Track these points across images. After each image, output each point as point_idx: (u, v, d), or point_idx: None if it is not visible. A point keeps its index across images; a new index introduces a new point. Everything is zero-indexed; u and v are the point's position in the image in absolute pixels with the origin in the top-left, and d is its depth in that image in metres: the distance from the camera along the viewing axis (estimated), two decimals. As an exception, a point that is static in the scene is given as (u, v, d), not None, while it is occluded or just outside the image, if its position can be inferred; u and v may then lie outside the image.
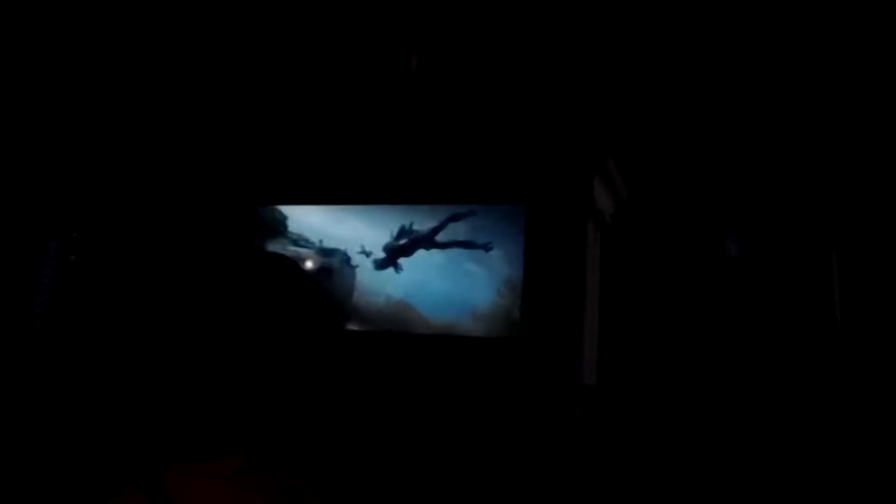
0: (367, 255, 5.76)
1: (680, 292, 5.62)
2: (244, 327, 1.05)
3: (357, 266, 5.79)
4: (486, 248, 5.39)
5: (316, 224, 5.99)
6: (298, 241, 5.98)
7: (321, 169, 5.89)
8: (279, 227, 6.07)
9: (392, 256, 5.70)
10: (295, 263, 1.14)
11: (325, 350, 1.11)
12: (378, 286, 5.71)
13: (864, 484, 4.76)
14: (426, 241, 5.61)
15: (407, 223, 5.68)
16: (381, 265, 5.72)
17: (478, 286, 5.40)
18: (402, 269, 5.65)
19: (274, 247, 5.89)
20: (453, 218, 5.51)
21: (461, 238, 5.51)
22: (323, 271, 5.78)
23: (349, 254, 5.83)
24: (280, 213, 6.08)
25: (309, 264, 5.82)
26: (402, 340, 5.44)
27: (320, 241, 5.95)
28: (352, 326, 5.64)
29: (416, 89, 5.28)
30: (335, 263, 5.84)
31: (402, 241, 5.68)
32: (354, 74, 5.21)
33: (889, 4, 4.28)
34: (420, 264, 5.62)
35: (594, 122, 5.24)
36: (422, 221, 5.64)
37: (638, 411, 5.28)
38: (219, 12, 4.52)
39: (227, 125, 5.85)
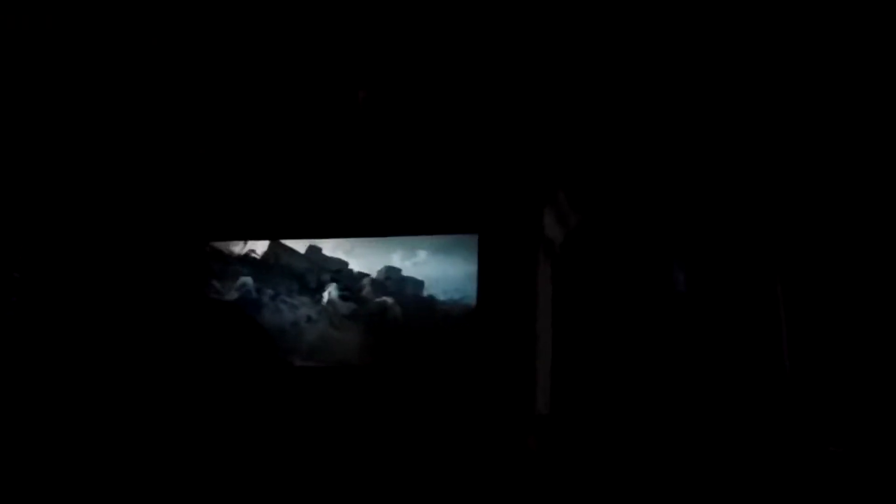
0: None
1: (629, 322, 5.68)
2: (189, 371, 1.04)
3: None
4: None
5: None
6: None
7: (270, 203, 5.87)
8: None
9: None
10: (236, 307, 1.14)
11: (264, 389, 1.10)
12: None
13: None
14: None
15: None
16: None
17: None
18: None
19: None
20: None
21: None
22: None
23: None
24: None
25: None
26: (345, 373, 5.36)
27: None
28: (296, 362, 5.54)
29: (365, 123, 5.33)
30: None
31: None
32: (302, 108, 5.24)
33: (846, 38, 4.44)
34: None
35: (544, 152, 5.35)
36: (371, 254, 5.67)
37: (592, 440, 5.26)
38: (167, 47, 4.53)
39: (175, 158, 5.81)
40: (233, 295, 5.77)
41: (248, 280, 5.80)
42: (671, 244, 5.90)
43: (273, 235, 5.88)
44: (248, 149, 5.74)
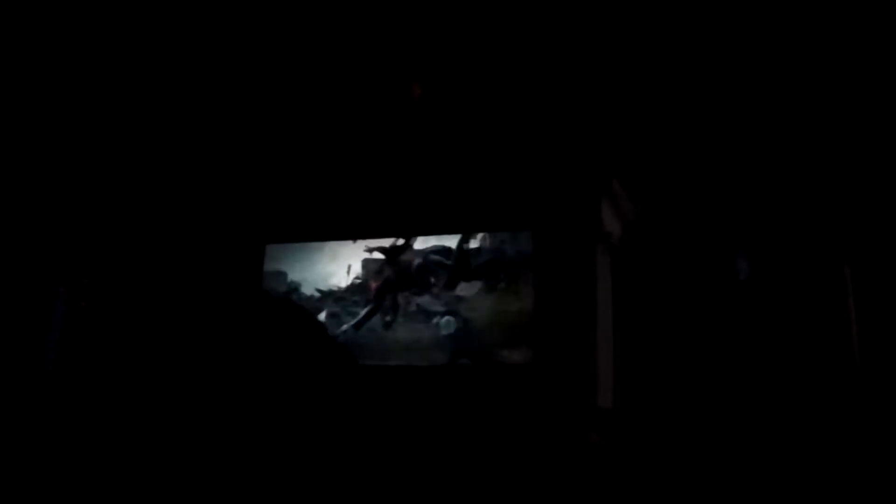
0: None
1: (693, 313, 5.56)
2: (253, 372, 1.03)
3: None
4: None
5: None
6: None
7: (327, 204, 5.92)
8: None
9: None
10: (302, 309, 1.13)
11: (334, 390, 1.09)
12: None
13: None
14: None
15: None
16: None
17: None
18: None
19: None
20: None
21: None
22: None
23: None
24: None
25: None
26: (416, 372, 5.39)
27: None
28: (365, 361, 5.59)
29: (420, 119, 5.33)
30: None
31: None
32: (358, 107, 5.26)
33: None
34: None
35: (599, 145, 5.26)
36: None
37: (655, 433, 5.18)
38: (225, 45, 4.59)
39: (233, 164, 5.91)
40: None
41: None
42: (733, 231, 5.75)
43: (329, 237, 5.98)
44: (306, 157, 5.81)
